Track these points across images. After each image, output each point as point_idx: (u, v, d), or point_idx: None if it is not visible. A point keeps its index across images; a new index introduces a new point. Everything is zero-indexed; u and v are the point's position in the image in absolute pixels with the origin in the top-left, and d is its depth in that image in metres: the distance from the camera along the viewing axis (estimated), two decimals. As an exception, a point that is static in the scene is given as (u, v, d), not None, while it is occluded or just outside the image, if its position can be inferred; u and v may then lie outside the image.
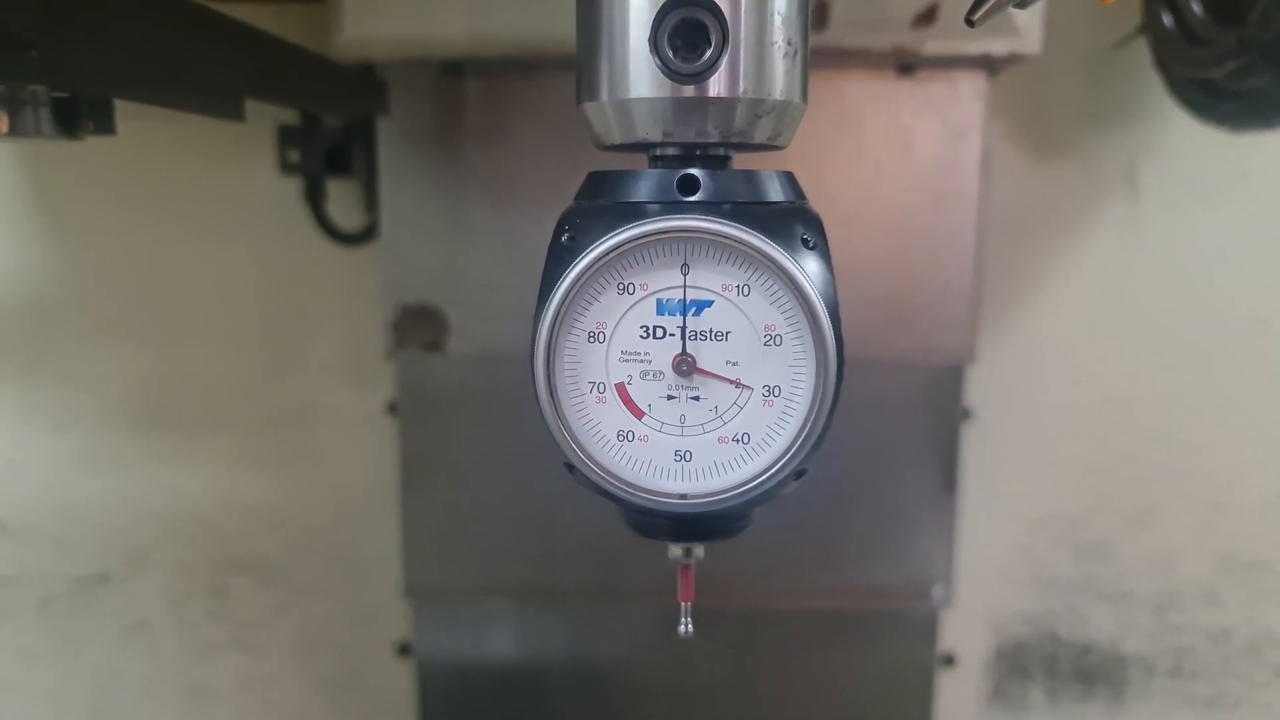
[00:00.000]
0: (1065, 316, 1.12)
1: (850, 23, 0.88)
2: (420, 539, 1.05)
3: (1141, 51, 0.99)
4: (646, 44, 0.41)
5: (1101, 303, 1.12)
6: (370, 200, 1.07)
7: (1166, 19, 0.93)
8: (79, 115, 0.53)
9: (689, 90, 0.42)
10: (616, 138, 0.45)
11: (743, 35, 0.41)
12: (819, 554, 1.04)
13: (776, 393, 0.43)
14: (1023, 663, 1.21)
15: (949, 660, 1.20)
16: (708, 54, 0.41)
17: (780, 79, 0.43)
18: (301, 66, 0.76)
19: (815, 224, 0.44)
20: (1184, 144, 1.07)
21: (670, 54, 0.42)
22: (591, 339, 0.44)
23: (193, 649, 1.23)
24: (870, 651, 1.07)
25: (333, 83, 0.87)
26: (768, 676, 1.09)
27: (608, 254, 0.42)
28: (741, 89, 0.42)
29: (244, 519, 1.20)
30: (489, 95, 0.94)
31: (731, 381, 0.43)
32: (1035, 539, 1.18)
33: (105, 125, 0.54)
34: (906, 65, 0.94)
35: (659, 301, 0.43)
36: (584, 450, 0.44)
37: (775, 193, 0.44)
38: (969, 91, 0.94)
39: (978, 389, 1.13)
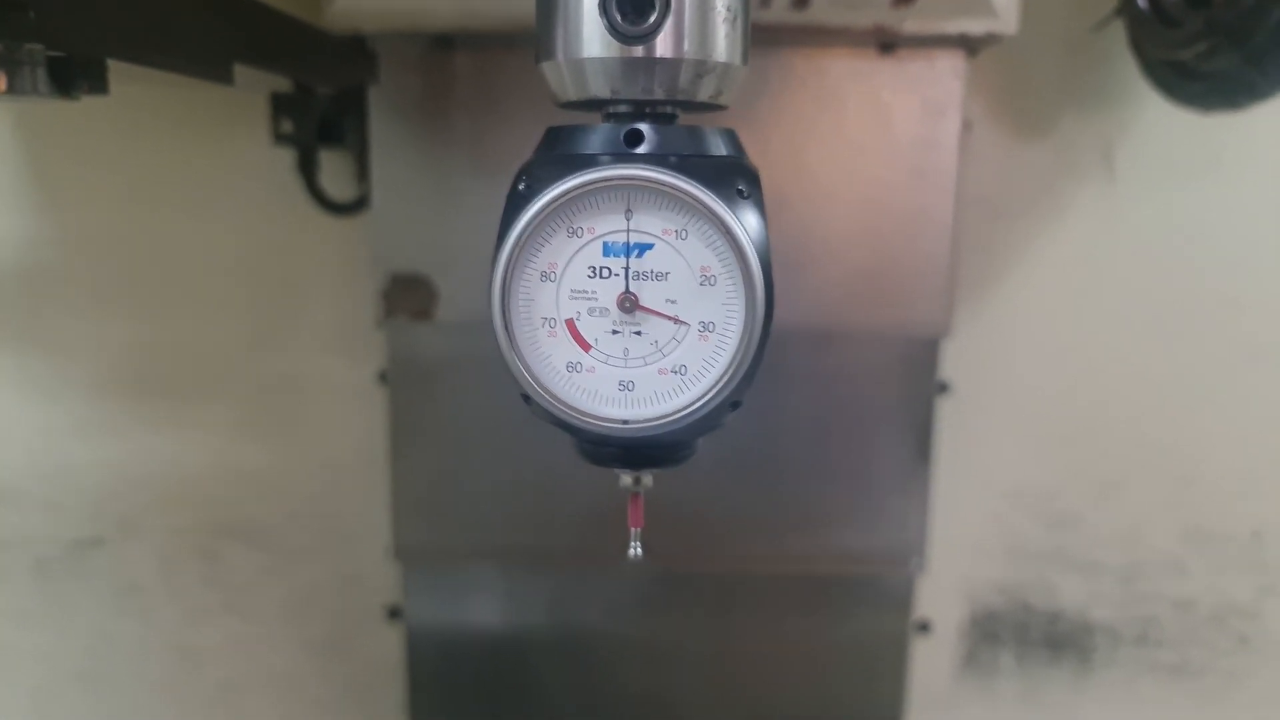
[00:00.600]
0: (1041, 293, 1.15)
1: (832, 1, 0.90)
2: (409, 504, 1.08)
3: (1119, 34, 1.02)
4: (596, 7, 0.45)
5: (1076, 280, 1.15)
6: (362, 171, 1.09)
7: (1141, 1, 0.95)
8: (74, 76, 0.55)
9: (636, 51, 0.46)
10: (571, 95, 0.50)
11: (686, 1, 0.45)
12: (797, 521, 1.07)
13: (711, 328, 0.47)
14: (995, 630, 1.25)
15: (924, 627, 1.24)
16: (652, 18, 0.45)
17: (721, 42, 0.47)
18: (291, 34, 0.77)
19: (751, 177, 0.48)
20: (1159, 126, 1.10)
21: (618, 17, 0.45)
22: (544, 278, 0.48)
23: (184, 612, 1.26)
24: (847, 617, 1.10)
25: (323, 52, 0.89)
26: (747, 640, 1.12)
27: (557, 200, 0.46)
28: (685, 50, 0.46)
29: (235, 485, 1.22)
30: (478, 68, 0.96)
31: (670, 318, 0.47)
32: (1008, 510, 1.21)
33: (99, 86, 0.56)
34: (887, 44, 0.96)
35: (605, 244, 0.47)
36: (537, 380, 0.48)
37: (716, 148, 0.48)
38: (948, 70, 0.97)
39: (954, 363, 1.16)
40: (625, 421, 0.48)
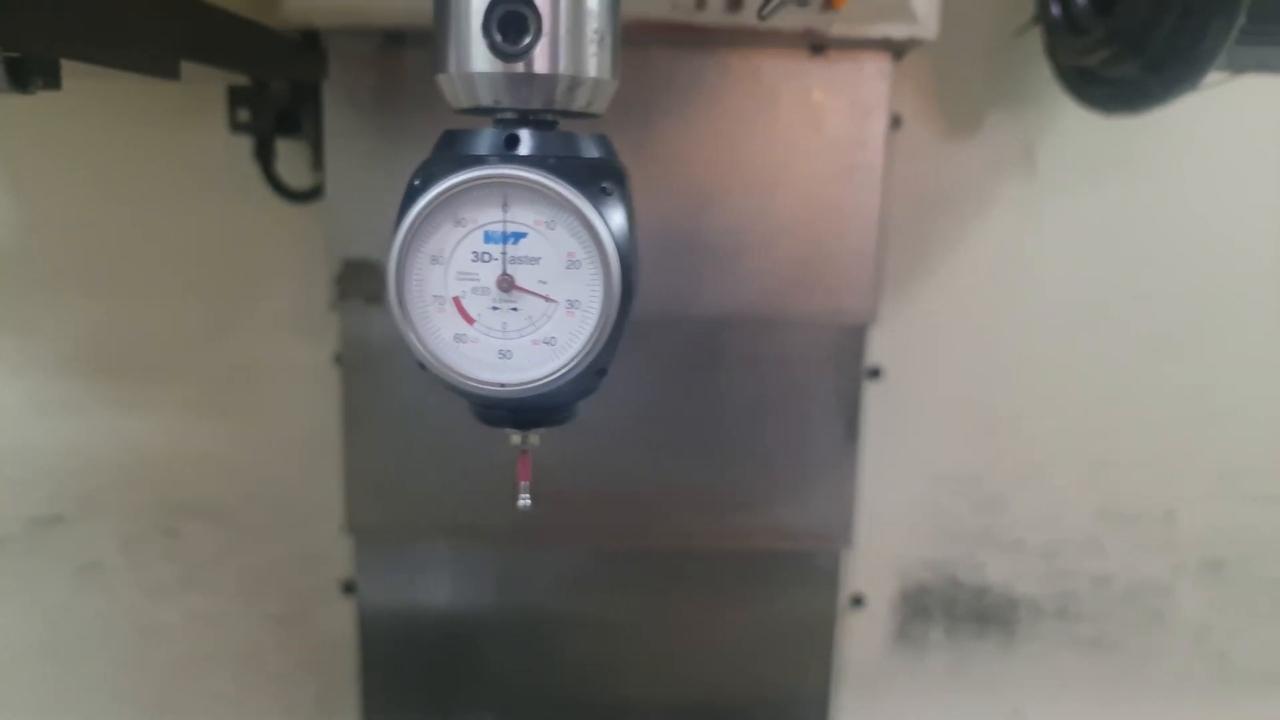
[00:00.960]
0: (968, 284, 1.22)
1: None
2: (361, 482, 1.12)
3: (1037, 40, 1.08)
4: (480, 28, 0.52)
5: (999, 273, 1.21)
6: (318, 160, 1.13)
7: (1055, 8, 1.02)
8: (28, 72, 0.59)
9: (517, 67, 0.52)
10: (463, 103, 0.56)
11: (560, 25, 0.52)
12: (733, 499, 1.12)
13: (577, 306, 0.54)
14: (925, 604, 1.31)
15: (858, 601, 1.31)
16: (528, 39, 0.52)
17: (592, 60, 0.54)
18: (239, 32, 0.81)
19: (616, 175, 0.55)
20: (1076, 126, 1.16)
21: (499, 38, 0.52)
22: (434, 261, 0.54)
23: (145, 588, 1.29)
24: (781, 590, 1.16)
25: (273, 48, 0.92)
26: (688, 613, 1.18)
27: (443, 195, 0.53)
28: (559, 67, 0.53)
29: (195, 465, 1.26)
30: (428, 63, 1.00)
31: (542, 296, 0.54)
32: (937, 491, 1.28)
33: (53, 82, 0.61)
34: (817, 45, 1.01)
35: (486, 233, 0.54)
36: (429, 349, 0.55)
37: (588, 150, 0.55)
38: (874, 72, 1.02)
39: (886, 350, 1.22)
40: (503, 385, 0.55)
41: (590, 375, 0.56)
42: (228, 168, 1.15)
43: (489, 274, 0.54)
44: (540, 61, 0.52)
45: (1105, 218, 1.19)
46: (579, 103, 0.55)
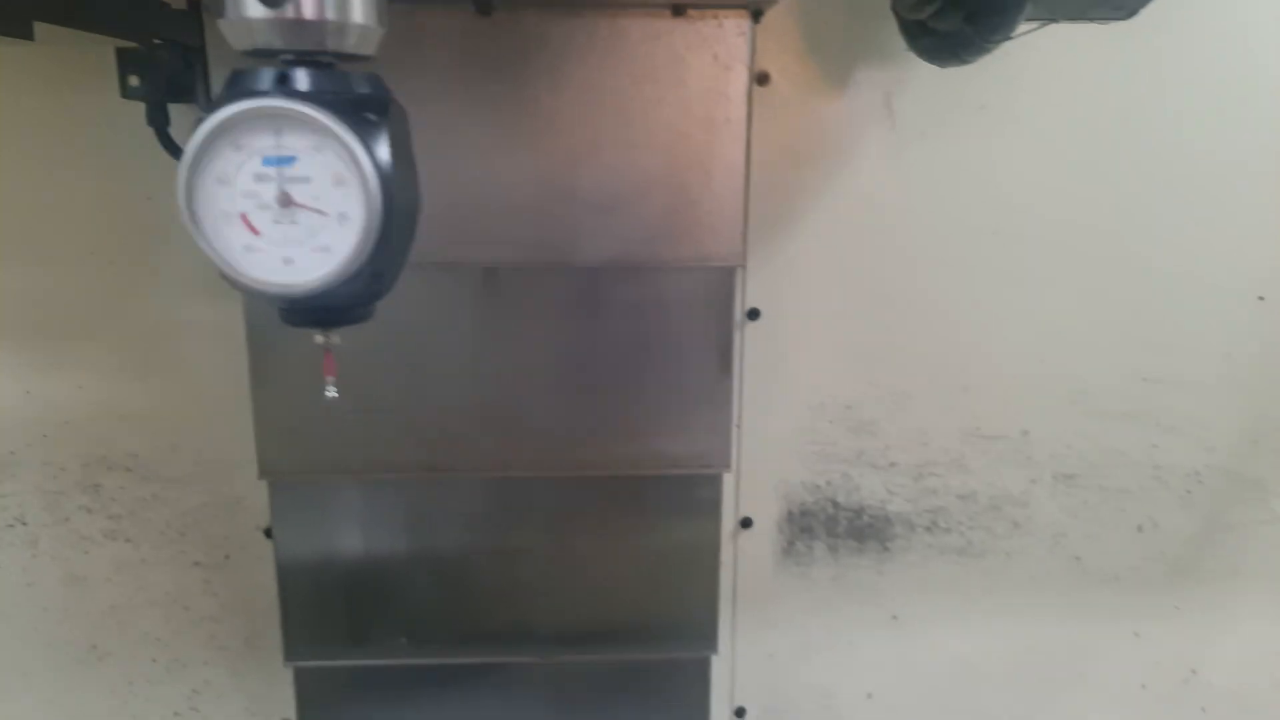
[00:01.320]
0: (835, 229, 1.31)
1: (624, -31, 1.02)
2: (272, 430, 1.19)
3: (888, -2, 1.16)
4: None
5: (865, 217, 1.31)
6: (211, 124, 1.17)
7: (894, -34, 1.10)
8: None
9: (287, 13, 0.62)
10: (244, 45, 0.65)
11: None
12: (623, 430, 1.21)
13: (347, 218, 0.65)
14: (808, 524, 1.43)
15: (747, 523, 1.42)
16: None
17: (358, 6, 0.64)
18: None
19: (380, 108, 0.65)
20: (931, 79, 1.25)
21: None
22: (220, 182, 0.64)
23: (70, 541, 1.35)
24: (669, 513, 1.26)
25: (143, 9, 0.96)
26: (585, 539, 1.27)
27: (222, 124, 0.63)
28: (325, 14, 0.62)
29: (114, 422, 1.31)
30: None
31: (316, 210, 0.64)
32: (815, 420, 1.39)
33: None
34: (679, 7, 1.08)
35: (264, 157, 0.64)
36: (224, 259, 0.65)
37: (359, 87, 0.65)
38: (734, 29, 1.10)
39: (763, 293, 1.32)
40: (288, 286, 0.65)
41: (367, 278, 0.66)
42: (128, 131, 1.19)
43: (269, 192, 0.63)
44: (307, 8, 0.61)
45: (959, 162, 1.30)
46: (348, 45, 0.64)
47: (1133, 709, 1.54)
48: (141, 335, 1.28)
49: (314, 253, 0.64)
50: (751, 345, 1.35)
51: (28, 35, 0.74)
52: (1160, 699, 1.54)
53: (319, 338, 0.72)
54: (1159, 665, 1.52)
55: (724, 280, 1.18)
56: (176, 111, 1.15)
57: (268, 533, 1.33)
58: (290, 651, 1.26)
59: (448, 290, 1.16)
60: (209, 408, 1.31)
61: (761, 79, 1.23)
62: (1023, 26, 0.98)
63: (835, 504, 1.43)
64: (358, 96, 0.65)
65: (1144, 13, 1.21)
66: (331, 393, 0.76)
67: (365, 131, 0.63)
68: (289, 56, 0.65)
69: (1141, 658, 1.52)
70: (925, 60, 1.10)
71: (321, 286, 0.64)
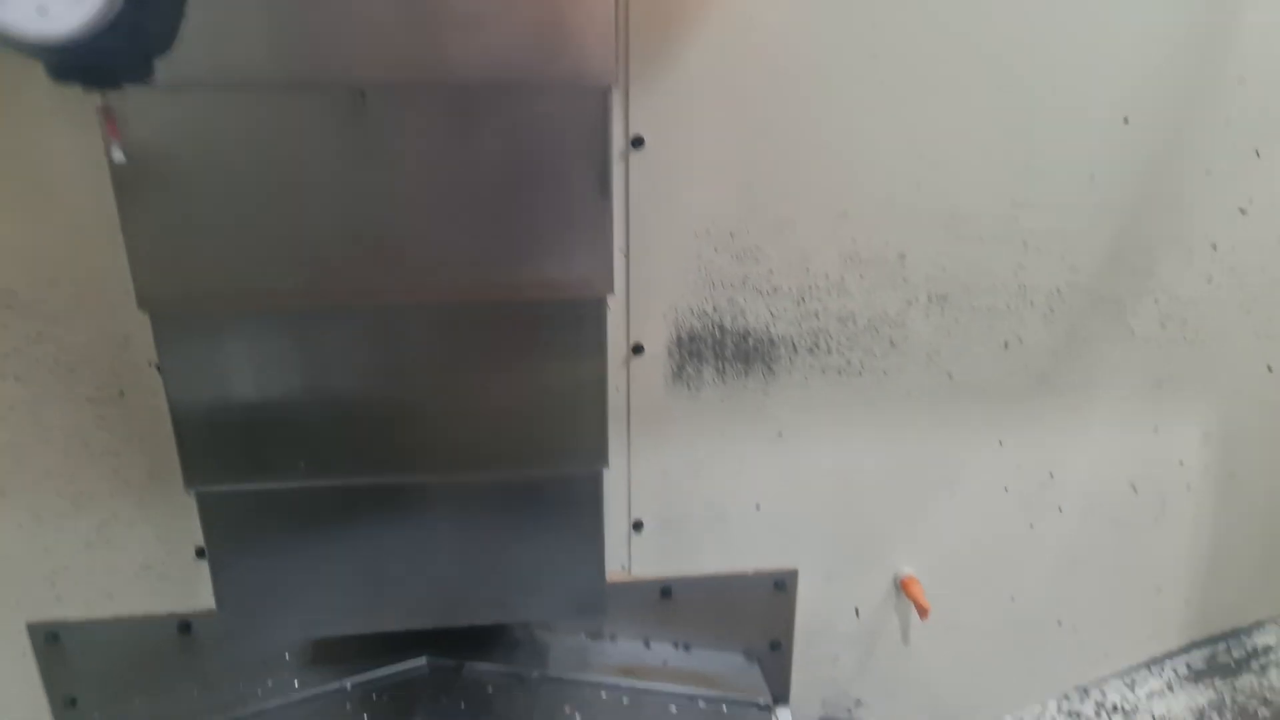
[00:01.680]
0: (715, 57, 1.31)
1: None
2: (147, 259, 1.17)
3: None
4: None
5: (744, 43, 1.30)
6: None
7: None
8: None
9: None
10: None
11: None
12: (504, 255, 1.22)
13: None
14: (697, 349, 1.50)
15: (638, 350, 1.48)
16: None
17: None
18: None
19: None
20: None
21: None
22: None
23: (-43, 382, 1.35)
24: (555, 337, 1.29)
25: None
26: (473, 362, 1.31)
27: None
28: None
29: (-13, 261, 1.28)
30: None
31: None
32: (701, 247, 1.43)
33: None
34: None
35: None
36: None
37: None
38: None
39: (646, 122, 1.32)
40: (44, 35, 0.69)
41: (128, 29, 0.69)
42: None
43: None
44: None
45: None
46: None
47: (996, 509, 1.69)
48: (7, 168, 1.23)
49: (69, 5, 0.66)
50: (637, 173, 1.36)
51: None
52: (1021, 500, 1.69)
53: (98, 101, 0.74)
54: (1020, 469, 1.66)
55: (599, 101, 1.18)
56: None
57: (158, 366, 1.34)
58: (190, 477, 1.29)
59: (318, 111, 1.13)
60: (88, 240, 1.28)
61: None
62: None
63: (722, 329, 1.49)
64: None
65: None
66: (119, 156, 0.79)
67: None
68: None
69: (1004, 463, 1.65)
70: None
71: (77, 35, 0.66)
